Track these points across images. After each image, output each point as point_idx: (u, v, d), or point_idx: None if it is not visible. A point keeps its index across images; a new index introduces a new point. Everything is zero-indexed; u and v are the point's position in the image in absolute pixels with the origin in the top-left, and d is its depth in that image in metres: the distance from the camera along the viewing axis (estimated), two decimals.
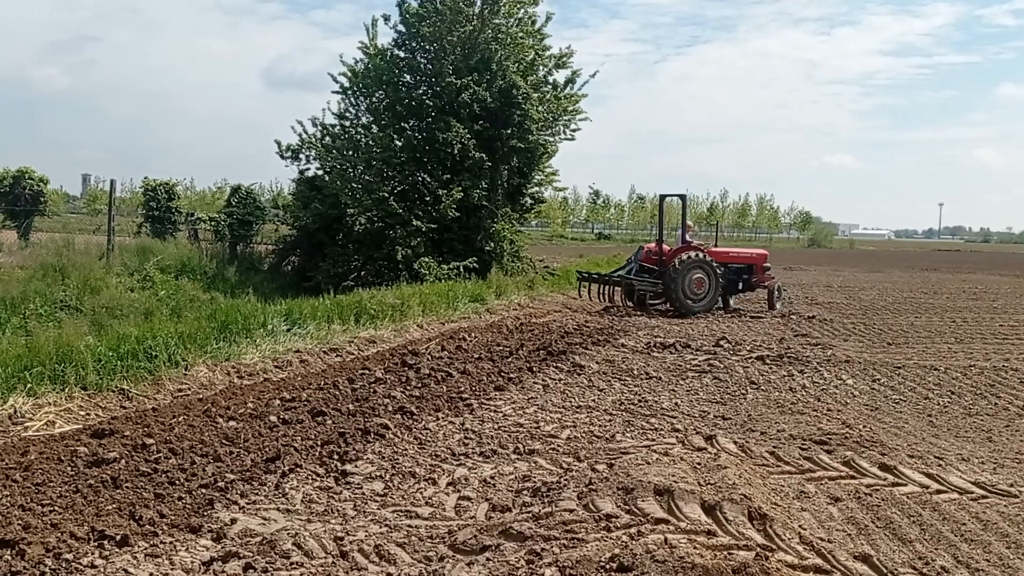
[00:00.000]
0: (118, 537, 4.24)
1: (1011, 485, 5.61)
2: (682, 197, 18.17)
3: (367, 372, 8.99)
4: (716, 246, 19.76)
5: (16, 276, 12.66)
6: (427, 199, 19.78)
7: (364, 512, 4.87)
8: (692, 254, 16.54)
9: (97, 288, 12.95)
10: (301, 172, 21.15)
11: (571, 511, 4.53)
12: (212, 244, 20.84)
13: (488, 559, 4.05)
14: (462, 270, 18.76)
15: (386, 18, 20.82)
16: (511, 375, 9.21)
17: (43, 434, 6.18)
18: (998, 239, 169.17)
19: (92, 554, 4.08)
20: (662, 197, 17.97)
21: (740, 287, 17.47)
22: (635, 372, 9.65)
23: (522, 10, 21.15)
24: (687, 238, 17.52)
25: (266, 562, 4.06)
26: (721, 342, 12.07)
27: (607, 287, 17.51)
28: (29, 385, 6.83)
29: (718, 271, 16.54)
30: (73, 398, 7.02)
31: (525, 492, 5.20)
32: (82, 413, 6.88)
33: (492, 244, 20.90)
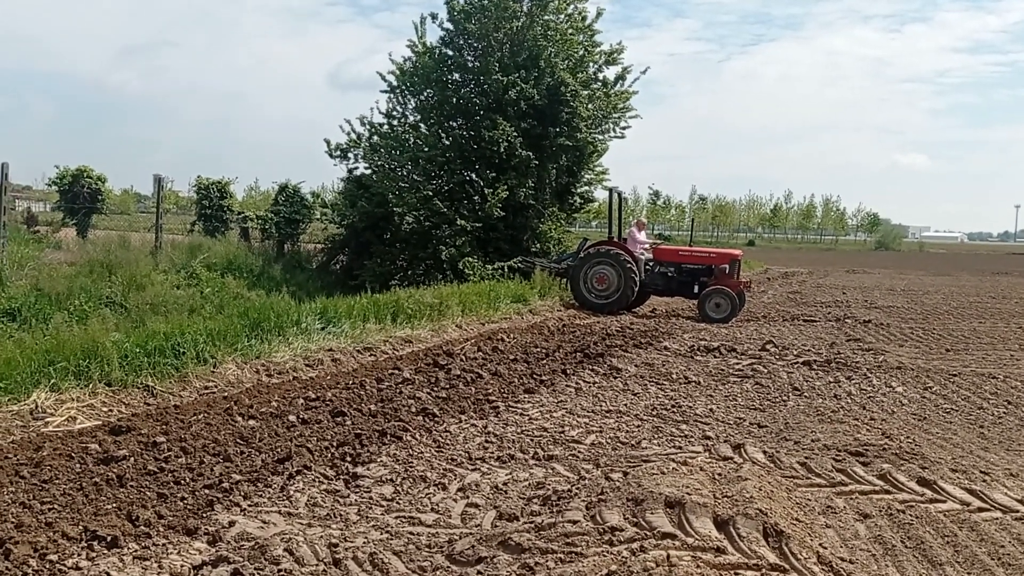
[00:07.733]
0: (109, 538, 4.16)
1: None
2: (617, 192, 18.00)
3: (396, 372, 8.86)
4: (691, 244, 19.12)
5: (63, 273, 12.85)
6: (474, 198, 19.64)
7: (367, 517, 4.72)
8: (602, 248, 16.36)
9: (143, 285, 13.08)
10: (349, 171, 21.25)
11: (575, 523, 4.29)
12: (261, 243, 21.06)
13: (479, 572, 3.85)
14: (507, 270, 18.56)
15: (434, 16, 20.72)
16: (544, 377, 8.99)
17: (62, 430, 6.18)
18: None
19: (79, 555, 4.00)
20: (610, 192, 17.89)
21: (696, 290, 16.12)
22: (674, 376, 9.33)
23: (571, 6, 20.79)
24: (625, 236, 17.12)
25: (255, 568, 3.93)
26: (768, 346, 11.66)
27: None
28: (53, 380, 6.84)
29: (632, 269, 15.90)
30: (97, 394, 7.01)
31: (535, 500, 4.99)
32: (104, 409, 6.88)
33: (539, 244, 20.67)
